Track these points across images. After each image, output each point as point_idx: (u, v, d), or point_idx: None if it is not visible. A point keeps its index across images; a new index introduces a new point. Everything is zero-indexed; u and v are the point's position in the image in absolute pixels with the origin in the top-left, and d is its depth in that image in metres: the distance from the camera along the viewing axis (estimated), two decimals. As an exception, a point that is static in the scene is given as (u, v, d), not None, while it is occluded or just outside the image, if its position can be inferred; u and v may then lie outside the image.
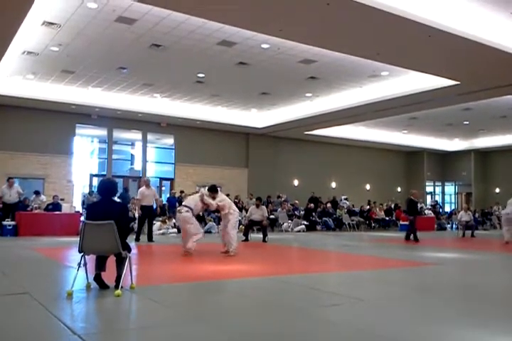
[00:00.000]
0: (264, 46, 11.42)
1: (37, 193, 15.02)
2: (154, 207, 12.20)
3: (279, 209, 18.56)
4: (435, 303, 4.60)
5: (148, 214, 11.72)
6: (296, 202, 19.95)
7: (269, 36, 10.43)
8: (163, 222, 14.95)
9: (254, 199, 14.62)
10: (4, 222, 13.01)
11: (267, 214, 13.15)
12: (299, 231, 17.49)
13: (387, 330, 3.50)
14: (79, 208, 16.11)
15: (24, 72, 13.77)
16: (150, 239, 11.52)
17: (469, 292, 5.39)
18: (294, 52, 11.78)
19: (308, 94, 16.22)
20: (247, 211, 14.51)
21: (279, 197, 20.44)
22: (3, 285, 5.27)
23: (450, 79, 13.11)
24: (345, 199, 22.21)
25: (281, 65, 12.90)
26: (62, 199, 15.31)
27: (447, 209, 27.96)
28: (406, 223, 14.55)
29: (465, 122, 20.36)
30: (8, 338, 3.19)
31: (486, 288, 5.69)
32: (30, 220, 13.17)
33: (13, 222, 13.03)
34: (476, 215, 21.80)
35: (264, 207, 13.21)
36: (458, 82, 13.24)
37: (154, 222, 14.95)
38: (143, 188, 11.78)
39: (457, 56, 10.94)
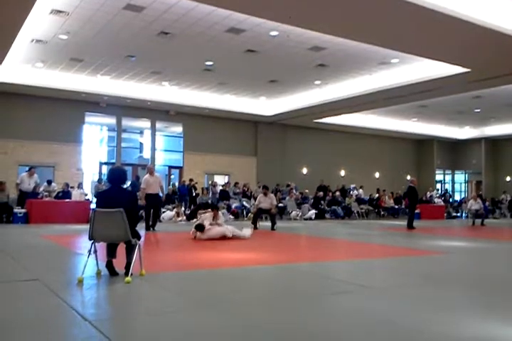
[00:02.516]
0: (273, 33, 11.33)
1: (49, 182, 15.14)
2: (160, 195, 11.64)
3: (288, 198, 18.57)
4: (445, 292, 4.59)
5: (154, 202, 11.15)
6: (307, 191, 19.91)
7: (278, 23, 10.35)
8: (178, 213, 14.94)
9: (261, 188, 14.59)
10: (15, 210, 13.15)
11: (275, 203, 13.14)
12: (309, 218, 17.51)
13: (397, 317, 3.50)
14: (89, 196, 16.22)
15: (33, 61, 13.79)
16: (153, 227, 11.04)
17: (480, 281, 5.37)
18: (303, 39, 11.68)
19: (317, 82, 16.11)
20: (255, 199, 14.52)
21: (288, 185, 20.43)
22: (15, 272, 5.33)
23: (461, 66, 12.95)
24: (360, 187, 22.12)
25: (290, 52, 12.80)
26: (72, 187, 15.42)
27: (457, 197, 27.81)
28: (418, 211, 14.48)
29: (476, 110, 20.15)
30: (20, 324, 3.24)
31: (497, 277, 5.67)
32: (40, 208, 13.30)
33: (23, 210, 13.17)
34: (487, 204, 21.69)
35: (272, 195, 13.21)
36: (469, 70, 13.08)
37: (165, 209, 15.07)
38: (147, 176, 11.26)
39: (468, 43, 10.79)
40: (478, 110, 20.15)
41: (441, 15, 9.13)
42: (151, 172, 11.36)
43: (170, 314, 3.54)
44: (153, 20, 10.64)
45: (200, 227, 9.09)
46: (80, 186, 15.97)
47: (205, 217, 9.36)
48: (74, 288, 4.41)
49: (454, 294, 4.50)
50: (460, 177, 29.24)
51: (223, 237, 9.04)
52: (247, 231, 9.57)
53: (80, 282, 4.52)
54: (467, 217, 18.22)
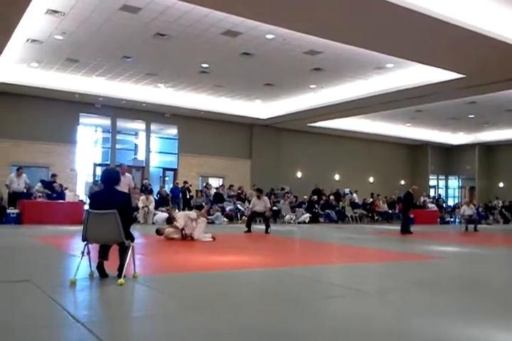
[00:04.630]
0: (269, 36, 11.35)
1: (43, 182, 15.10)
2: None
3: (282, 201, 18.57)
4: (440, 297, 4.60)
5: None
6: (305, 197, 19.86)
7: (274, 27, 10.37)
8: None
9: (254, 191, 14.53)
10: (8, 210, 13.07)
11: (269, 205, 13.14)
12: (303, 222, 17.50)
13: (389, 322, 3.50)
14: (82, 197, 16.15)
15: (28, 60, 13.74)
16: None
17: (472, 286, 5.38)
18: (299, 42, 11.71)
19: (312, 86, 16.14)
20: (249, 202, 14.51)
21: (282, 189, 20.43)
22: (6, 273, 5.29)
23: (456, 72, 13.02)
24: (355, 192, 22.10)
25: (286, 56, 12.82)
26: (66, 189, 15.34)
27: (451, 203, 27.91)
28: (412, 216, 14.45)
29: (470, 116, 20.25)
30: (12, 325, 3.20)
31: (489, 282, 5.68)
32: (33, 208, 13.22)
33: (16, 210, 13.09)
34: (480, 209, 21.78)
35: (266, 198, 13.20)
36: (463, 75, 13.15)
37: (157, 212, 14.99)
38: None
39: (463, 49, 10.86)
40: (473, 116, 20.26)
41: (437, 21, 9.18)
42: (123, 172, 11.15)
43: (162, 316, 3.52)
44: (150, 21, 10.64)
45: (168, 220, 9.52)
46: (95, 182, 15.61)
47: (180, 216, 9.57)
48: (66, 290, 4.37)
49: (449, 300, 4.51)
50: (453, 182, 29.37)
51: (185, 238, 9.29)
52: (207, 237, 9.57)
53: (73, 283, 4.49)
54: (460, 222, 18.27)
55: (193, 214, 9.94)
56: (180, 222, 9.32)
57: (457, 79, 13.44)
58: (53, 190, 14.64)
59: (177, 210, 15.78)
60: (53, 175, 15.23)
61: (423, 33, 9.93)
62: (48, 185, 14.84)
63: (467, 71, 12.80)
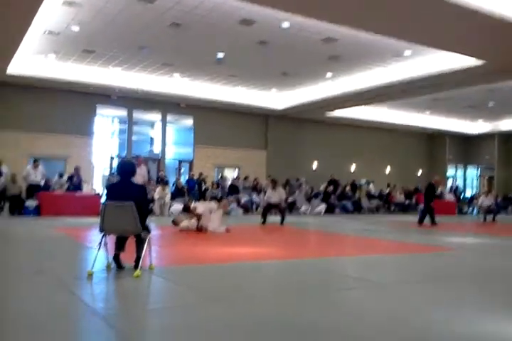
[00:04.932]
0: (285, 24, 11.20)
1: (60, 176, 15.24)
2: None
3: (297, 192, 18.50)
4: (457, 289, 4.54)
5: None
6: (321, 188, 19.72)
7: (290, 14, 10.23)
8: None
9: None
10: (26, 202, 13.23)
11: (284, 196, 13.06)
12: (319, 213, 17.43)
13: (403, 315, 3.45)
14: (99, 190, 16.27)
15: (45, 52, 13.78)
16: None
17: (490, 277, 5.30)
18: (316, 30, 11.55)
19: (329, 74, 15.94)
20: (265, 193, 14.47)
21: (297, 180, 20.35)
22: (24, 264, 5.35)
23: (475, 57, 12.74)
24: (372, 182, 21.89)
25: (302, 44, 12.67)
26: (85, 182, 15.43)
27: (469, 193, 27.49)
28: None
29: (489, 104, 19.88)
30: (30, 317, 3.23)
31: (507, 274, 5.59)
32: (52, 200, 13.36)
33: (35, 202, 13.24)
34: (498, 200, 21.46)
35: (281, 188, 13.12)
36: (484, 61, 12.87)
37: (173, 203, 15.05)
38: None
39: (483, 34, 10.59)
40: (492, 104, 19.87)
41: (456, 6, 8.98)
42: (138, 163, 11.18)
43: (180, 308, 3.53)
44: (165, 11, 10.57)
45: (185, 208, 9.58)
46: (112, 174, 15.46)
47: (199, 205, 9.68)
48: (84, 282, 4.41)
49: (466, 292, 4.45)
50: (472, 172, 28.93)
51: (200, 229, 9.33)
52: (221, 230, 9.55)
53: (90, 275, 4.52)
54: (478, 212, 18.05)
55: (213, 205, 9.96)
56: (199, 209, 9.35)
57: (477, 65, 13.16)
58: (72, 183, 14.76)
59: (194, 201, 15.86)
60: (76, 168, 15.25)
61: (444, 19, 9.71)
62: (70, 178, 14.95)
63: (487, 57, 12.51)
